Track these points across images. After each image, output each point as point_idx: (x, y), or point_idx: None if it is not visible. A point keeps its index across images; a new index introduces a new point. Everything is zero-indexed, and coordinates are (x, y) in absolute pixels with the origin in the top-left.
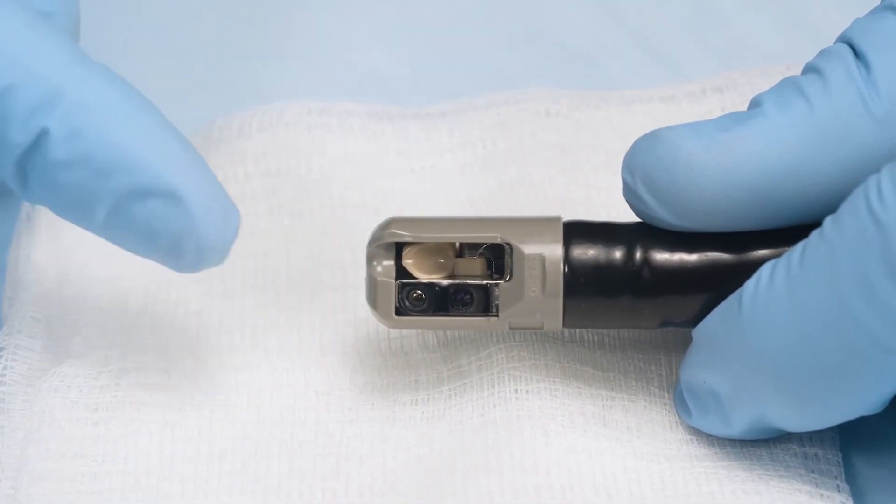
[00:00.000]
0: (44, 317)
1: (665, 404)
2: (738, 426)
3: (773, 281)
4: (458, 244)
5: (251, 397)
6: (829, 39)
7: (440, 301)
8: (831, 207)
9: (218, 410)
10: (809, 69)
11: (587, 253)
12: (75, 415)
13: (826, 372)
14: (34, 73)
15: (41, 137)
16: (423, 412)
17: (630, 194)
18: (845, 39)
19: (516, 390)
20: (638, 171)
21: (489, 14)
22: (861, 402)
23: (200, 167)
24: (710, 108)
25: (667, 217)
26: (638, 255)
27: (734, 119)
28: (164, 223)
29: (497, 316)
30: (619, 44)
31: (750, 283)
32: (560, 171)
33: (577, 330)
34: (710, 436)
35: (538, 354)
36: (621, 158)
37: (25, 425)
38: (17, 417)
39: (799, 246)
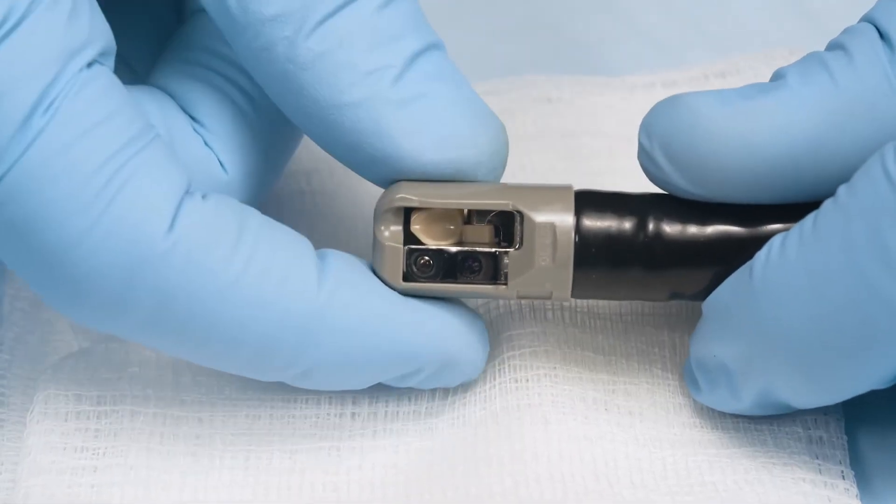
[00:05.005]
0: (44, 311)
1: (669, 386)
2: (747, 399)
3: (785, 250)
4: (465, 211)
5: (253, 391)
6: (829, 27)
7: (448, 268)
8: None
9: (219, 404)
10: (834, 46)
11: (598, 223)
12: (76, 408)
13: (839, 341)
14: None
15: None
16: (424, 406)
17: (646, 158)
18: (869, 19)
19: (516, 379)
20: (656, 134)
21: (489, 2)
22: (874, 373)
23: None
24: None
25: (682, 184)
26: (650, 226)
27: (758, 89)
28: None
29: (506, 284)
30: (619, 32)
31: (761, 254)
32: (562, 158)
33: (578, 313)
34: (715, 420)
35: (538, 341)
36: (623, 145)
37: (26, 418)
38: (18, 411)
39: (811, 215)
